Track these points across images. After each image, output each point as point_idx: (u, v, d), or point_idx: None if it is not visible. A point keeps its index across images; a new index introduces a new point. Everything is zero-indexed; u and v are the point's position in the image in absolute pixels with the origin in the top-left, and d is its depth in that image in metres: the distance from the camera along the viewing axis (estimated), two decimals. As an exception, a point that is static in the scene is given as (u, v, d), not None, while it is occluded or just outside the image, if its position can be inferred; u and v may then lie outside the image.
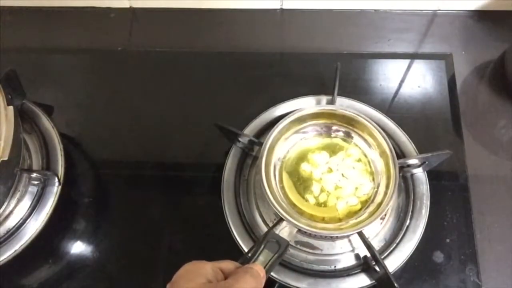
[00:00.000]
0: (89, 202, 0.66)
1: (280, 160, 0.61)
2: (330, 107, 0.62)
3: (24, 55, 0.78)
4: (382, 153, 0.58)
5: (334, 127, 0.62)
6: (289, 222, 0.53)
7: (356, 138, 0.61)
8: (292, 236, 0.54)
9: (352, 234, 0.57)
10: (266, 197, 0.55)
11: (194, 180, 0.67)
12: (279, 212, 0.53)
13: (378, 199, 0.56)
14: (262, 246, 0.49)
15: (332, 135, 0.62)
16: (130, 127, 0.72)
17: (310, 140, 0.62)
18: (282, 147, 0.61)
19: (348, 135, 0.62)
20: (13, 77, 0.66)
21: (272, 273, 0.52)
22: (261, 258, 0.48)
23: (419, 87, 0.74)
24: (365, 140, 0.61)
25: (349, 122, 0.61)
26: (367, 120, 0.59)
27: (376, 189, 0.58)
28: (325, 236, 0.58)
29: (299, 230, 0.56)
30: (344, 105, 0.67)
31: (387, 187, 0.56)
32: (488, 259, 0.60)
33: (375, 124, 0.59)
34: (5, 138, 0.54)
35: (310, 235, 0.59)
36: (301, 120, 0.61)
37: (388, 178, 0.56)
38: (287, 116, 0.60)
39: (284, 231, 0.54)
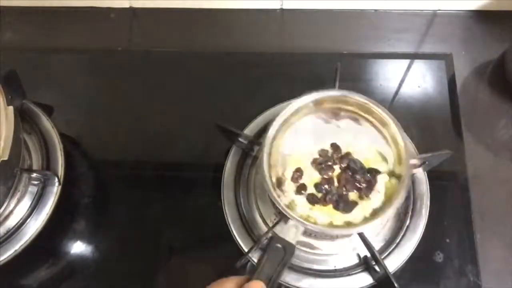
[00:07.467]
0: (89, 202, 0.66)
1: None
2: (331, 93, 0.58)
3: (24, 55, 0.78)
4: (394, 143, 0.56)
5: (342, 113, 0.59)
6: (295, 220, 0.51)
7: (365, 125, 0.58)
8: (293, 236, 0.53)
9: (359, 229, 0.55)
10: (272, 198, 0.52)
11: (194, 180, 0.67)
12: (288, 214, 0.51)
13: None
14: (266, 255, 0.47)
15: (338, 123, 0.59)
16: (130, 127, 0.72)
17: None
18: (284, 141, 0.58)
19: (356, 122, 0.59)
20: (13, 77, 0.66)
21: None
22: (266, 267, 0.46)
23: (419, 87, 0.74)
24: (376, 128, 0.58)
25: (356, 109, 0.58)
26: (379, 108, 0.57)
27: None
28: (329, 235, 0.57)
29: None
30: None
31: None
32: (488, 259, 0.60)
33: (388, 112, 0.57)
34: (5, 138, 0.54)
35: (310, 234, 0.58)
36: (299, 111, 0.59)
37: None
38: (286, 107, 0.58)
39: (285, 231, 0.53)
